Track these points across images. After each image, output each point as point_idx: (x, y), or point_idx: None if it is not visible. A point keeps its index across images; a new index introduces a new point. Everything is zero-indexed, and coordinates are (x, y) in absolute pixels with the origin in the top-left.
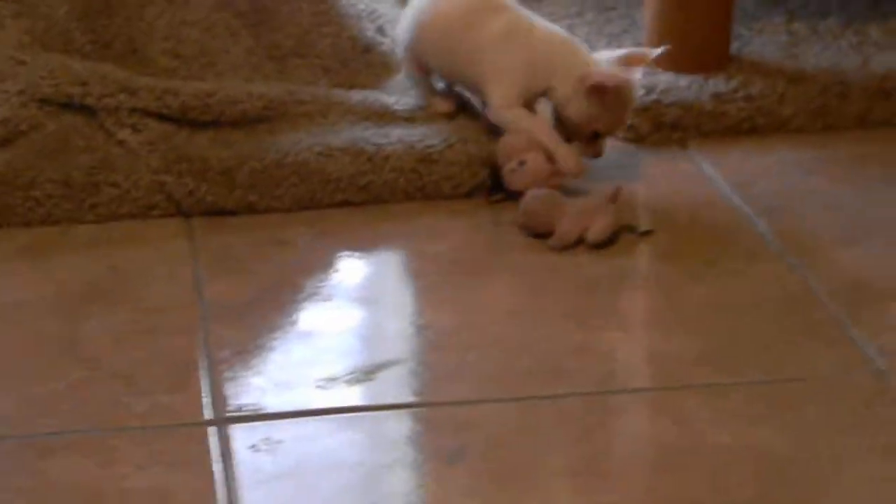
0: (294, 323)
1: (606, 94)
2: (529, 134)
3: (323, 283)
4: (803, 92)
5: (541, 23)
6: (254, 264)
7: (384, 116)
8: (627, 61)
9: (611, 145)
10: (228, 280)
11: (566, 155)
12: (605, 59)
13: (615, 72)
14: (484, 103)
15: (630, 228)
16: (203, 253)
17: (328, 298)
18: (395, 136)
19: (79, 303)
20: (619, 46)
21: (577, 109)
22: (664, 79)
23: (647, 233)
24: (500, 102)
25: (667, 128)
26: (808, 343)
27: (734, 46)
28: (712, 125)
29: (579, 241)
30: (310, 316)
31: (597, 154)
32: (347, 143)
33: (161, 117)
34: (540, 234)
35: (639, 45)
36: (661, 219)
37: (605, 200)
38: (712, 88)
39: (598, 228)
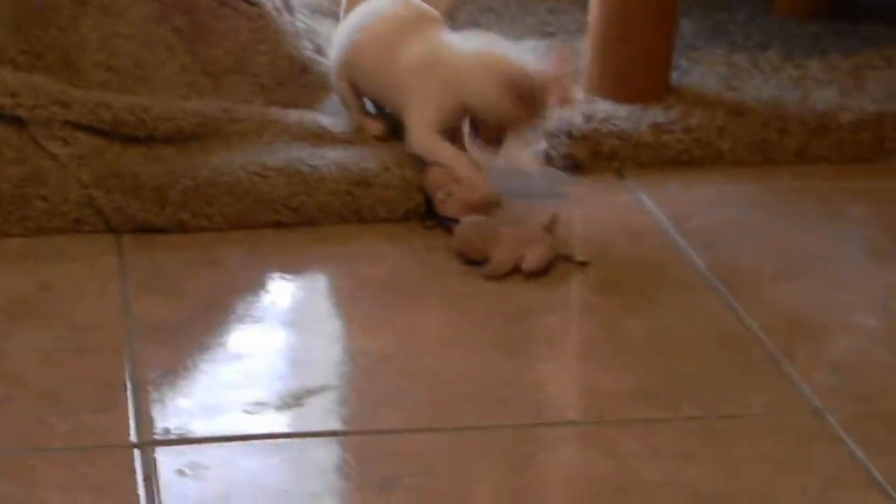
0: (224, 345)
1: (524, 93)
2: (443, 159)
3: (254, 305)
4: (743, 125)
5: (455, 42)
6: (184, 284)
7: (320, 137)
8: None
9: (546, 173)
10: (158, 299)
11: (480, 184)
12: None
13: (529, 70)
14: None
15: (566, 258)
16: (133, 271)
17: (259, 321)
18: (331, 157)
19: (4, 319)
20: None
21: (495, 107)
22: (603, 108)
23: (583, 263)
24: (417, 131)
25: (604, 157)
26: (743, 379)
27: (674, 76)
28: (650, 156)
29: (514, 270)
30: (240, 338)
31: (500, 144)
32: (282, 164)
33: (93, 131)
34: (475, 261)
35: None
36: (597, 249)
37: (540, 229)
38: (651, 119)
39: (533, 257)
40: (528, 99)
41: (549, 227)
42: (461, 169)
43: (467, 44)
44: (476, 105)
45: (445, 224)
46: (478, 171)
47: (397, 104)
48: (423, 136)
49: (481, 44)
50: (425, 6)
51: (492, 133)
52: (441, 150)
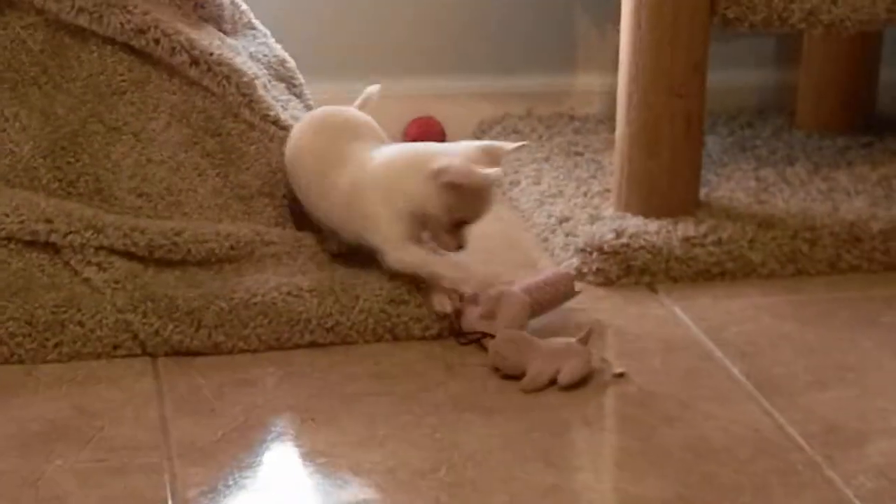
0: (262, 464)
1: (461, 188)
2: (426, 270)
3: (291, 424)
4: (773, 237)
5: (379, 153)
6: (221, 404)
7: (353, 257)
8: (486, 154)
9: (580, 288)
10: (195, 420)
11: (469, 277)
12: (463, 149)
13: (467, 167)
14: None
15: (602, 371)
16: (169, 393)
17: (296, 439)
18: (364, 277)
19: (42, 442)
20: (588, 191)
21: (436, 203)
22: (633, 223)
23: (619, 375)
24: (390, 252)
25: (636, 272)
26: (785, 486)
27: (703, 192)
28: (682, 270)
29: (551, 383)
30: (277, 457)
31: (461, 245)
32: (315, 284)
33: (127, 255)
34: (511, 375)
35: (606, 190)
36: (633, 361)
37: (576, 342)
38: (682, 233)
39: (569, 370)
40: (469, 195)
41: (584, 340)
42: (445, 271)
43: (387, 150)
44: (422, 207)
45: (479, 340)
46: (461, 266)
47: (349, 231)
48: (397, 254)
49: (400, 147)
50: (349, 113)
51: (449, 230)
52: (420, 262)
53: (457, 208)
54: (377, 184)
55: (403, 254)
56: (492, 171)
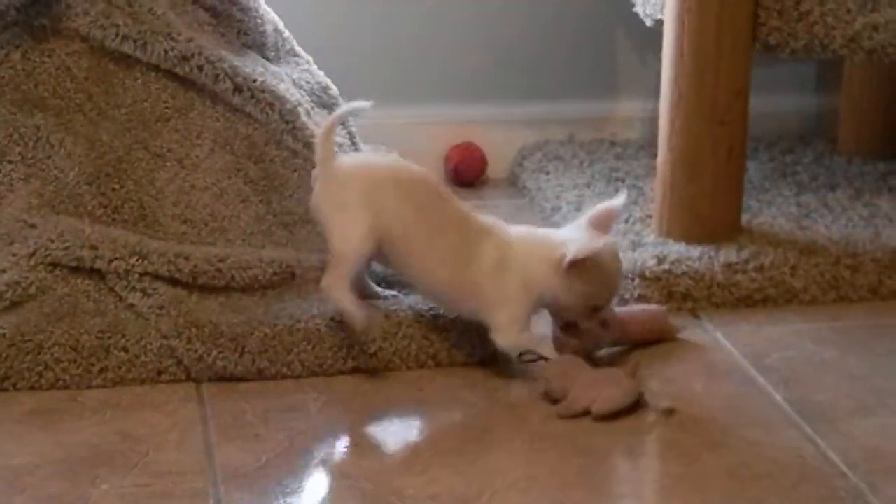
0: (305, 490)
1: (586, 268)
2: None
3: (334, 451)
4: (815, 263)
5: (514, 233)
6: (265, 430)
7: (395, 283)
8: (596, 223)
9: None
10: (239, 445)
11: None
12: (574, 232)
13: (585, 243)
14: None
15: (651, 406)
16: (213, 418)
17: (340, 465)
18: (406, 303)
19: (88, 467)
20: (629, 217)
21: (569, 294)
22: (675, 249)
23: (669, 411)
24: (509, 333)
25: (678, 298)
26: None
27: (744, 218)
28: (724, 296)
29: (586, 412)
30: (321, 482)
31: (606, 327)
32: None
33: (172, 282)
34: (555, 399)
35: (648, 216)
36: (676, 388)
37: (622, 373)
38: (723, 259)
39: (605, 400)
40: (597, 274)
41: (633, 373)
42: (549, 353)
43: (522, 231)
44: (547, 296)
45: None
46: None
47: (459, 300)
48: (515, 336)
49: (540, 235)
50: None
51: (585, 319)
52: (532, 344)
53: (589, 295)
54: (521, 267)
55: (521, 338)
56: (607, 238)
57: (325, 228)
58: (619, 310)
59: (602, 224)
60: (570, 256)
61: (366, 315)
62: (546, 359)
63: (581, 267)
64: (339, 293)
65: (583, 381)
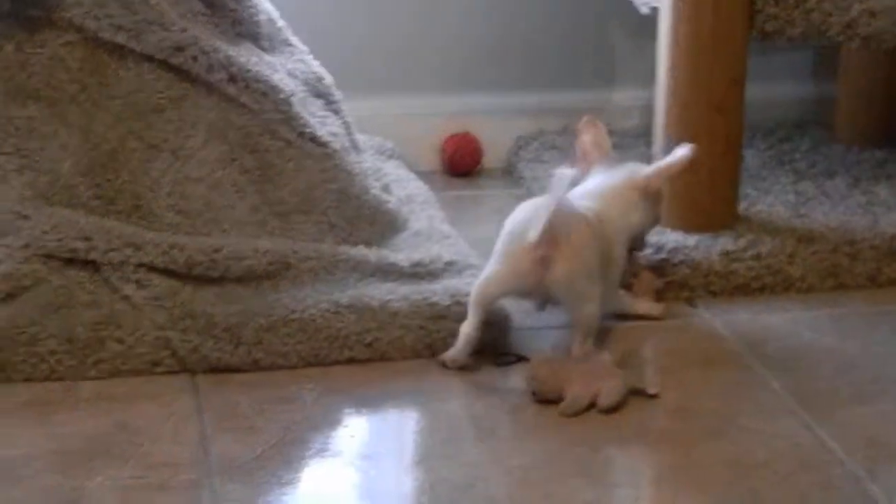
0: (301, 480)
1: (659, 191)
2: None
3: (330, 440)
4: (813, 251)
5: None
6: (260, 421)
7: (390, 273)
8: (665, 172)
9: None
10: (234, 437)
11: (651, 307)
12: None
13: (650, 169)
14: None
15: (638, 391)
16: (208, 410)
17: (335, 455)
18: (402, 293)
19: (83, 459)
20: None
21: (646, 218)
22: (672, 238)
23: (654, 395)
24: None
25: (676, 286)
26: (826, 501)
27: (742, 206)
28: (721, 284)
29: (590, 406)
30: (316, 473)
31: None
32: (354, 301)
33: (166, 273)
34: (548, 399)
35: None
36: (674, 376)
37: (611, 364)
38: (721, 247)
39: (608, 392)
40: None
41: (622, 362)
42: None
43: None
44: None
45: (515, 362)
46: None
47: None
48: (622, 301)
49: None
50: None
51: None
52: (630, 303)
53: (656, 216)
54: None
55: (621, 300)
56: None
57: (575, 300)
58: None
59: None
60: (654, 183)
61: None
62: (527, 359)
63: (656, 192)
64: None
65: (579, 378)
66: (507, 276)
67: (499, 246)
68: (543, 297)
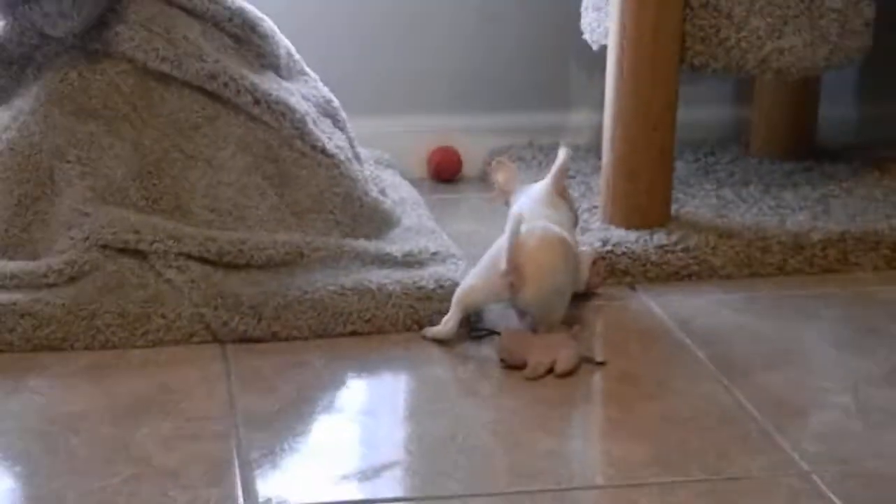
0: (312, 431)
1: (566, 189)
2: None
3: (336, 399)
4: (732, 245)
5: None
6: (278, 382)
7: (386, 262)
8: (560, 175)
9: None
10: (257, 395)
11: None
12: (537, 192)
13: (551, 175)
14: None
15: (588, 359)
16: (235, 373)
17: (340, 410)
18: (395, 277)
19: (132, 413)
20: (579, 207)
21: (571, 212)
22: (617, 234)
23: (601, 363)
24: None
25: (619, 273)
26: (743, 449)
27: (674, 208)
28: (657, 272)
29: (549, 372)
30: (325, 425)
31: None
32: (356, 284)
33: (202, 260)
34: (514, 366)
35: (594, 206)
36: (617, 348)
37: (568, 336)
38: (656, 242)
39: (564, 360)
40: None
41: (576, 335)
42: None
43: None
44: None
45: (488, 335)
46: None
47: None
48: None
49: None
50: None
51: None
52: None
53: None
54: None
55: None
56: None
57: (544, 314)
58: None
59: (562, 176)
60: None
61: None
62: (497, 333)
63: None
64: None
65: (540, 349)
66: (485, 293)
67: (485, 259)
68: (519, 310)
